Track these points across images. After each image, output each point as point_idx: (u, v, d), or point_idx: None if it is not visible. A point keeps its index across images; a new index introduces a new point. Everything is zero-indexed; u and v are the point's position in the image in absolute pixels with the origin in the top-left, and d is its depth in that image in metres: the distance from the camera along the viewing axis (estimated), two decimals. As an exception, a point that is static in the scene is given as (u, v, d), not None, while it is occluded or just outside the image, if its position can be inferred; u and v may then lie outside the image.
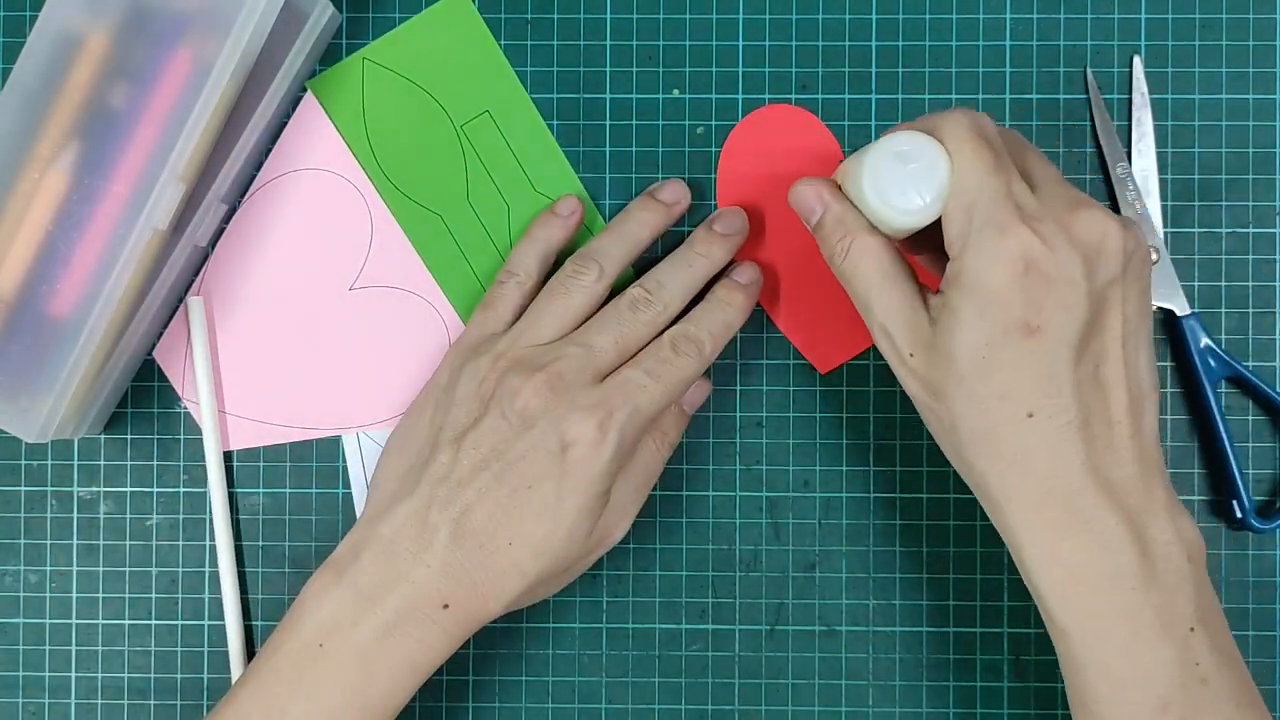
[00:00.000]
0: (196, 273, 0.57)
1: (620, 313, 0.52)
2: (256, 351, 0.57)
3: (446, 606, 0.49)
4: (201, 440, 0.57)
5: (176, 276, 0.55)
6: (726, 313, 0.54)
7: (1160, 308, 0.56)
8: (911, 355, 0.47)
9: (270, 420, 0.57)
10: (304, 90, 0.57)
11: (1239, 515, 0.55)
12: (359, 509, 0.57)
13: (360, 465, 0.57)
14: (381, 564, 0.49)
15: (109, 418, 0.57)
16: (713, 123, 0.57)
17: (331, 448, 0.57)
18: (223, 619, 0.57)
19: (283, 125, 0.57)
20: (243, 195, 0.57)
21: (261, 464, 0.57)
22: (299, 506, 0.57)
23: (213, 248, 0.57)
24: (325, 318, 0.57)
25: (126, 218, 0.50)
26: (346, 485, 0.57)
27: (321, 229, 0.57)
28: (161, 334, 0.57)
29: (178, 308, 0.57)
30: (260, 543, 0.57)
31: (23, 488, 0.58)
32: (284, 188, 0.57)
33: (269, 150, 0.57)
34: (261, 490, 0.57)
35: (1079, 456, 0.45)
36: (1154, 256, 0.56)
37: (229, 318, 0.57)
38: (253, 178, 0.57)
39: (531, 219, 0.56)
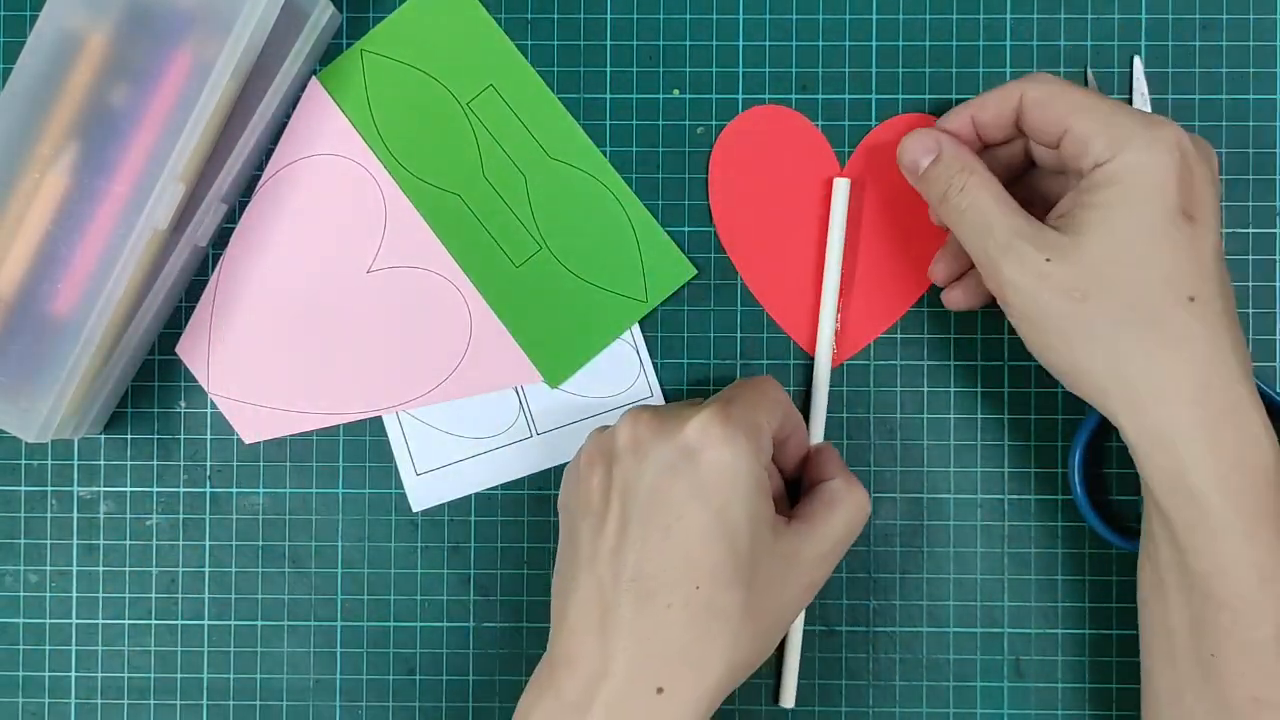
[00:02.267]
0: (199, 272, 0.57)
1: None
2: (281, 341, 0.57)
3: (661, 690, 0.43)
4: (201, 441, 0.57)
5: (176, 276, 0.55)
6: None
7: (1160, 307, 0.56)
8: (1048, 260, 0.47)
9: (299, 409, 0.57)
10: (307, 83, 0.57)
11: (1239, 515, 0.55)
12: (408, 488, 0.57)
13: (404, 443, 0.57)
14: (577, 668, 0.45)
15: (109, 418, 0.57)
16: (713, 123, 0.57)
17: (331, 447, 0.57)
18: (224, 619, 0.57)
19: (283, 125, 0.57)
20: (244, 195, 0.57)
21: (261, 464, 0.57)
22: (299, 506, 0.57)
23: (226, 239, 0.57)
24: (347, 302, 0.57)
25: (126, 218, 0.50)
26: (347, 485, 0.57)
27: (335, 213, 0.57)
28: (168, 334, 0.57)
29: (179, 307, 0.57)
30: (260, 543, 0.57)
31: (23, 488, 0.58)
32: (295, 174, 0.57)
33: (270, 150, 0.57)
34: (261, 490, 0.57)
35: (1228, 341, 0.46)
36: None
37: (250, 308, 0.57)
38: (254, 177, 0.57)
39: (549, 185, 0.56)
